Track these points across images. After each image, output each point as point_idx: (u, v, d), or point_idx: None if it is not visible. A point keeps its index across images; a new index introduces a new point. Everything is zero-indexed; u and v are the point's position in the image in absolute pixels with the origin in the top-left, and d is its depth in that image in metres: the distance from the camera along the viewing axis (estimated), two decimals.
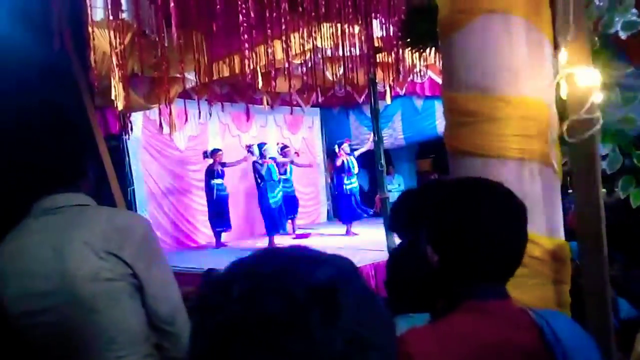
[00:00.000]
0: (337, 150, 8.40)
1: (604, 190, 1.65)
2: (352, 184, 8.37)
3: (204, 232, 8.69)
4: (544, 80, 1.48)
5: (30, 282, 1.20)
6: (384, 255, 5.77)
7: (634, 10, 1.62)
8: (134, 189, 7.31)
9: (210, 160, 7.98)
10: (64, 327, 1.20)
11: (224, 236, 8.33)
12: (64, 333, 1.20)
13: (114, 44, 3.69)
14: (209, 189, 7.97)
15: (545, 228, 1.46)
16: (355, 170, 8.40)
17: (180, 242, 8.35)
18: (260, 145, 7.95)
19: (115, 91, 4.04)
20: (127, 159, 7.24)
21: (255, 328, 0.48)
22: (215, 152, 7.98)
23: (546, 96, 1.48)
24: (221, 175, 7.95)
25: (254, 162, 7.81)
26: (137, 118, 7.34)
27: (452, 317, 0.98)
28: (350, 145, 8.58)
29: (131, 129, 5.18)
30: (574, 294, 1.49)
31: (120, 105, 4.12)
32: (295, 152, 8.72)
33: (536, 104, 1.47)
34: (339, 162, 8.32)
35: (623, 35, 1.76)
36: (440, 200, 1.06)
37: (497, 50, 1.49)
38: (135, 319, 1.26)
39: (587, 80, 1.36)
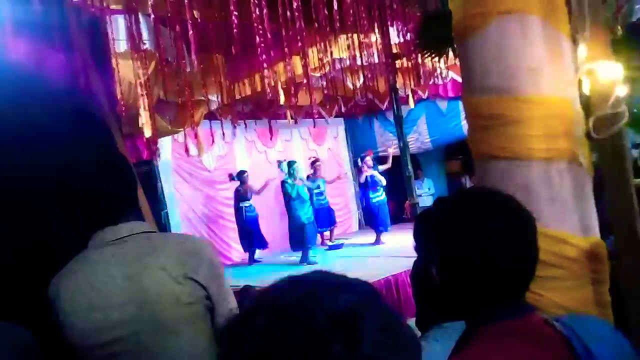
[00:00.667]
0: (359, 164, 8.41)
1: (638, 180, 1.60)
2: (378, 197, 8.33)
3: (238, 249, 8.77)
4: (565, 78, 1.45)
5: (102, 313, 1.22)
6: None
7: None
8: (167, 212, 7.46)
9: (237, 182, 8.08)
10: (141, 353, 1.23)
11: (258, 252, 8.41)
12: (143, 358, 1.23)
13: (138, 74, 3.80)
14: (237, 211, 8.06)
15: (579, 227, 1.43)
16: (383, 182, 8.36)
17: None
18: (290, 163, 7.98)
19: (142, 119, 4.16)
20: (159, 183, 7.41)
21: None
22: (241, 174, 8.07)
23: (569, 94, 1.45)
24: (249, 197, 8.04)
25: (283, 182, 7.85)
26: (166, 142, 7.51)
27: (471, 349, 0.92)
28: (375, 154, 8.56)
29: (159, 155, 5.32)
30: (614, 292, 1.45)
31: (148, 132, 4.23)
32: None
33: (559, 102, 1.45)
34: (362, 179, 8.32)
35: None
36: (440, 220, 1.00)
37: (514, 51, 1.47)
38: (208, 339, 1.30)
39: (609, 75, 1.33)
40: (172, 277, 1.23)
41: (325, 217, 8.47)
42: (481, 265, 0.92)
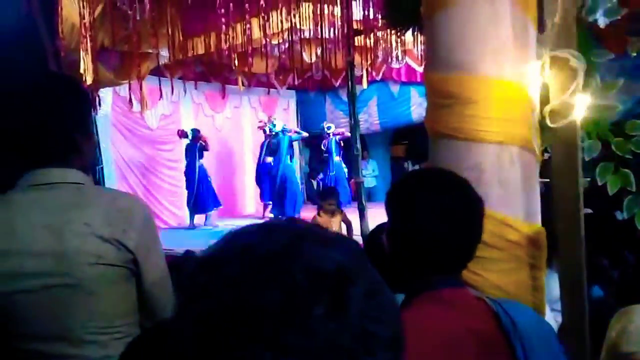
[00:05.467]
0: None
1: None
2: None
3: (175, 213, 8.57)
4: (527, 63, 1.46)
5: (19, 261, 1.12)
6: (357, 240, 5.78)
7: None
8: (102, 167, 7.12)
9: (185, 140, 7.91)
10: (54, 308, 1.14)
11: (196, 218, 8.28)
12: (54, 314, 1.14)
13: (83, 14, 3.54)
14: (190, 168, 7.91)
15: (523, 213, 1.46)
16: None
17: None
18: (194, 131, 8.01)
19: (84, 64, 3.89)
20: (95, 136, 7.04)
21: (248, 319, 0.42)
22: (196, 131, 7.94)
23: (528, 79, 1.46)
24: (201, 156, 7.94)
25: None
26: (106, 94, 7.11)
27: (409, 310, 0.99)
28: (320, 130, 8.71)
29: (99, 104, 5.01)
30: None
31: (89, 79, 3.97)
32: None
33: (518, 87, 1.45)
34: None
35: (602, 23, 1.76)
36: (397, 193, 1.09)
37: (480, 31, 1.46)
38: (130, 303, 1.23)
39: (571, 65, 1.35)
40: (97, 235, 1.14)
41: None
42: (428, 239, 1.00)
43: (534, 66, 1.44)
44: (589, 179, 1.67)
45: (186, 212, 8.45)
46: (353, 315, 0.44)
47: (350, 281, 0.45)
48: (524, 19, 1.47)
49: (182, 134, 7.98)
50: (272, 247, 0.46)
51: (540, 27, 1.46)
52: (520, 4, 1.46)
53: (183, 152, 8.16)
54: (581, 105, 1.35)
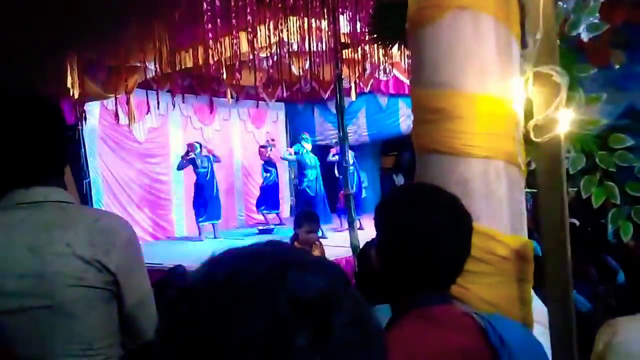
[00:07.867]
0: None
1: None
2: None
3: (162, 226, 8.52)
4: (511, 79, 1.48)
5: (1, 281, 1.10)
6: (345, 251, 5.77)
7: (597, 14, 1.65)
8: (89, 181, 7.07)
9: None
10: (34, 330, 1.12)
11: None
12: (34, 336, 1.12)
13: None
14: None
15: (510, 226, 1.47)
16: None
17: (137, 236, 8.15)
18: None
19: (70, 79, 3.86)
20: (82, 150, 6.99)
21: (230, 351, 0.42)
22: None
23: (512, 95, 1.48)
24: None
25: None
26: (93, 107, 7.09)
27: (398, 327, 1.00)
28: (314, 142, 8.77)
29: (85, 118, 4.97)
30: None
31: (75, 93, 3.94)
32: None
33: (502, 102, 1.47)
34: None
35: (585, 37, 1.79)
36: (387, 208, 1.09)
37: (465, 47, 1.48)
38: (111, 325, 1.21)
39: (554, 80, 1.37)
40: (78, 256, 1.13)
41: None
42: (417, 255, 1.01)
43: (518, 82, 1.46)
44: (575, 189, 1.69)
45: (175, 225, 8.41)
46: (336, 344, 0.44)
47: (333, 309, 0.45)
48: (507, 36, 1.49)
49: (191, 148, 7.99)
50: (255, 275, 0.46)
51: (523, 43, 1.47)
52: (503, 20, 1.48)
53: (174, 164, 8.16)
54: (565, 119, 1.37)
